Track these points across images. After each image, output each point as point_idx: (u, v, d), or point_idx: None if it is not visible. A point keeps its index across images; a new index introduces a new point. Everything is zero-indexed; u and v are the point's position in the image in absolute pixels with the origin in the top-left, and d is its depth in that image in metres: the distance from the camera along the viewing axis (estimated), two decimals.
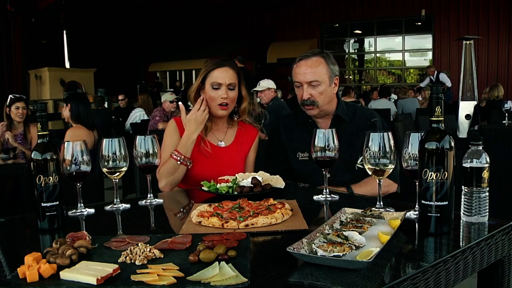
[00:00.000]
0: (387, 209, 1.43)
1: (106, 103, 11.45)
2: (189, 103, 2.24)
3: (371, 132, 1.43)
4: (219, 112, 2.13)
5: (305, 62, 2.12)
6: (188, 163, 2.06)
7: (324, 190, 1.65)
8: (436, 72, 11.40)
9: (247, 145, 2.23)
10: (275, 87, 6.18)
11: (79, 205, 1.56)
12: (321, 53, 2.16)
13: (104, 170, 1.59)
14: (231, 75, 2.12)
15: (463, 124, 6.76)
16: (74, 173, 1.52)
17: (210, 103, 2.12)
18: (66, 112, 3.75)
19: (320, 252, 1.03)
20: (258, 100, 8.70)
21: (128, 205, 1.64)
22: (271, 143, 2.36)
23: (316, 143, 1.63)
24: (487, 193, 1.30)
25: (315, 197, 1.65)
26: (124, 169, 1.60)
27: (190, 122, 2.06)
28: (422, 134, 1.25)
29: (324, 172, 1.64)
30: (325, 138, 1.62)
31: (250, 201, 1.55)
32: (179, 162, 2.03)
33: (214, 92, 2.10)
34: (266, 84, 6.03)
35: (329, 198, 1.64)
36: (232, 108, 2.16)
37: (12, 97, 4.27)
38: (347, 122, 2.18)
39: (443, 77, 11.23)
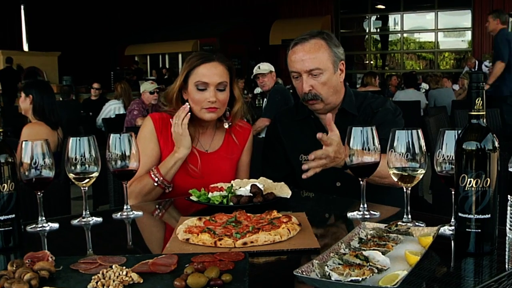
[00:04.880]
0: (416, 223, 1.43)
1: (73, 94, 11.44)
2: (162, 103, 2.20)
3: (396, 129, 1.43)
4: (206, 116, 2.07)
5: (301, 46, 2.09)
6: (167, 187, 2.04)
7: (361, 205, 1.61)
8: (476, 63, 11.37)
9: (239, 148, 2.22)
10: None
11: (40, 218, 1.55)
12: (320, 34, 2.13)
13: (71, 176, 1.59)
14: (221, 72, 2.07)
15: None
16: (33, 180, 1.51)
17: (194, 107, 2.07)
18: (25, 104, 3.67)
19: (334, 276, 1.03)
20: (259, 89, 8.68)
21: (99, 219, 1.64)
22: (268, 144, 2.35)
23: (351, 144, 1.55)
24: None
25: (349, 214, 1.61)
26: (95, 174, 1.60)
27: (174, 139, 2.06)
28: (459, 132, 1.25)
29: (361, 183, 1.60)
30: (362, 137, 1.54)
31: (249, 214, 1.55)
32: (156, 184, 2.01)
33: (199, 94, 2.04)
34: (268, 67, 6.17)
35: (367, 216, 1.59)
36: (222, 111, 2.11)
37: None
38: (355, 116, 2.16)
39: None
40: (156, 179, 2.01)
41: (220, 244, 1.31)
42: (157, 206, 1.95)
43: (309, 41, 2.09)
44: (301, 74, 2.08)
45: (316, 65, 2.06)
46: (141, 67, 18.09)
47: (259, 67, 6.24)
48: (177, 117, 2.03)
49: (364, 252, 1.13)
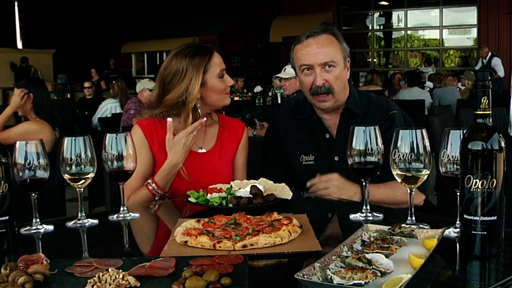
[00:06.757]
0: (421, 225, 1.43)
1: (68, 92, 11.44)
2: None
3: (400, 129, 1.43)
4: (227, 100, 2.20)
5: (314, 40, 2.11)
6: (166, 197, 2.04)
7: (364, 207, 1.61)
8: (489, 54, 11.37)
9: (233, 146, 2.22)
10: None
11: (34, 220, 1.55)
12: (329, 29, 2.19)
13: (66, 176, 1.59)
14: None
15: None
16: (28, 181, 1.52)
17: (215, 97, 2.15)
18: (24, 107, 3.63)
19: (336, 280, 1.03)
20: (258, 88, 8.65)
21: (95, 221, 1.64)
22: (267, 144, 2.36)
23: (353, 145, 1.55)
24: None
25: (352, 216, 1.61)
26: (91, 175, 1.60)
27: (178, 147, 1.99)
28: (465, 131, 1.25)
29: (364, 183, 1.60)
30: (365, 137, 1.54)
31: (248, 216, 1.55)
32: (157, 198, 2.01)
33: (222, 82, 2.16)
34: (293, 71, 5.97)
35: (370, 218, 1.58)
36: None
37: None
38: (360, 116, 2.15)
39: (496, 63, 11.21)
40: (156, 193, 2.01)
41: (219, 247, 1.31)
42: (154, 208, 1.95)
43: (321, 35, 2.13)
44: (314, 68, 2.10)
45: (331, 58, 2.10)
46: (139, 64, 18.09)
47: (284, 70, 5.98)
48: (194, 128, 2.01)
49: (367, 255, 1.14)
